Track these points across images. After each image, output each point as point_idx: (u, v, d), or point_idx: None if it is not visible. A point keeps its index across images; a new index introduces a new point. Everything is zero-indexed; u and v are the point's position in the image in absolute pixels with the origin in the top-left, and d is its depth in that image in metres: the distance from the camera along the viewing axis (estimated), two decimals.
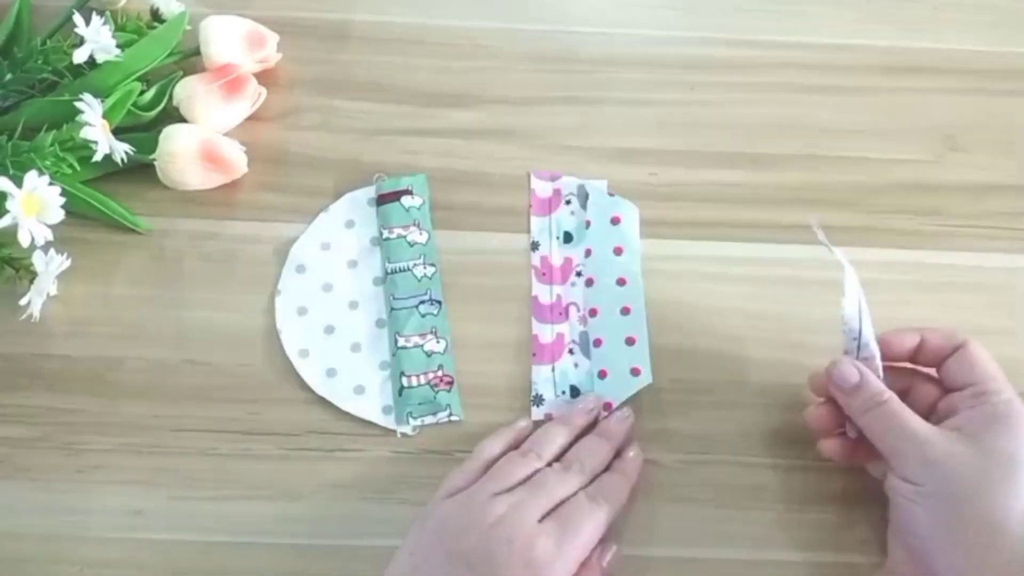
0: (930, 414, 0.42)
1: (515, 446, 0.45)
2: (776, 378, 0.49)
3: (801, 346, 0.49)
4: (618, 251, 0.51)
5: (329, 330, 0.49)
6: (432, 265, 0.51)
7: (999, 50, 0.59)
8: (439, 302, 0.50)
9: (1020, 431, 0.39)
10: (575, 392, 0.48)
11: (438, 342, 0.49)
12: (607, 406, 0.47)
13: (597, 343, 0.49)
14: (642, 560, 0.45)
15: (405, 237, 0.51)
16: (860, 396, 0.42)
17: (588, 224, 0.52)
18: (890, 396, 0.41)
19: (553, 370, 0.49)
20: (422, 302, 0.50)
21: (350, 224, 0.52)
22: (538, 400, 0.48)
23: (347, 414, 0.47)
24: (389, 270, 0.50)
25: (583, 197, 0.53)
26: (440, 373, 0.48)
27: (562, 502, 0.42)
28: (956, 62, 0.58)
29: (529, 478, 0.42)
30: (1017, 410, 0.40)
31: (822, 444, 0.45)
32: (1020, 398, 0.41)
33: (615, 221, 0.52)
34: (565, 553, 0.40)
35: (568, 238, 0.52)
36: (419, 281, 0.50)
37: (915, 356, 0.44)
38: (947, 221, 0.53)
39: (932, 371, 0.44)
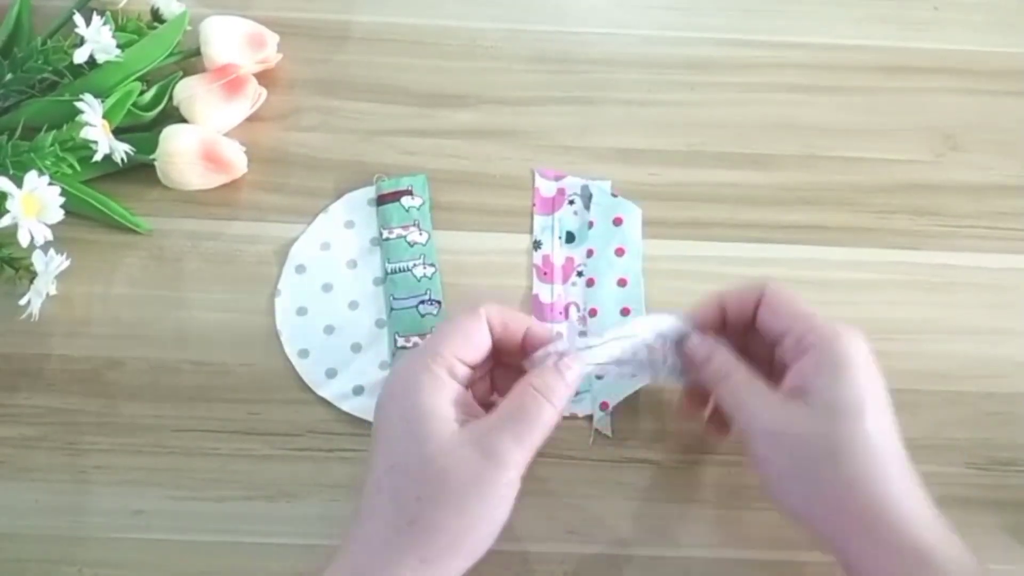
0: (771, 373, 0.41)
1: None
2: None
3: None
4: (620, 252, 0.51)
5: (329, 330, 0.49)
6: (432, 265, 0.51)
7: (999, 50, 0.59)
8: (439, 302, 0.50)
9: (844, 370, 0.38)
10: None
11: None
12: (603, 405, 0.47)
13: None
14: (642, 560, 0.45)
15: (405, 237, 0.51)
16: (709, 371, 0.41)
17: (591, 225, 0.52)
18: (738, 367, 0.41)
19: None
20: (422, 302, 0.50)
21: (350, 224, 0.52)
22: None
23: (347, 414, 0.47)
24: (389, 270, 0.50)
25: (587, 198, 0.53)
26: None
27: None
28: (956, 62, 0.58)
29: None
30: (835, 347, 0.38)
31: (706, 428, 0.45)
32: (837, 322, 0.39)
33: (617, 222, 0.52)
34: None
35: (570, 238, 0.52)
36: (419, 281, 0.50)
37: (728, 324, 0.43)
38: (947, 221, 0.53)
39: None
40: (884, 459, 0.37)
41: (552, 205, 0.53)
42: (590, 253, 0.51)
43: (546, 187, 0.53)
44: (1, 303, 0.49)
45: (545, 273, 0.51)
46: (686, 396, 0.45)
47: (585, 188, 0.53)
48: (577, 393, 0.48)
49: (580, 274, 0.51)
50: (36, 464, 0.46)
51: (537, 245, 0.52)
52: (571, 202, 0.53)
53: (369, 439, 0.47)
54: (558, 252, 0.52)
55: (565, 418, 0.47)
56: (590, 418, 0.47)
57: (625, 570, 0.45)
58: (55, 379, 0.48)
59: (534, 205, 0.53)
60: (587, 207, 0.53)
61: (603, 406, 0.47)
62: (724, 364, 0.41)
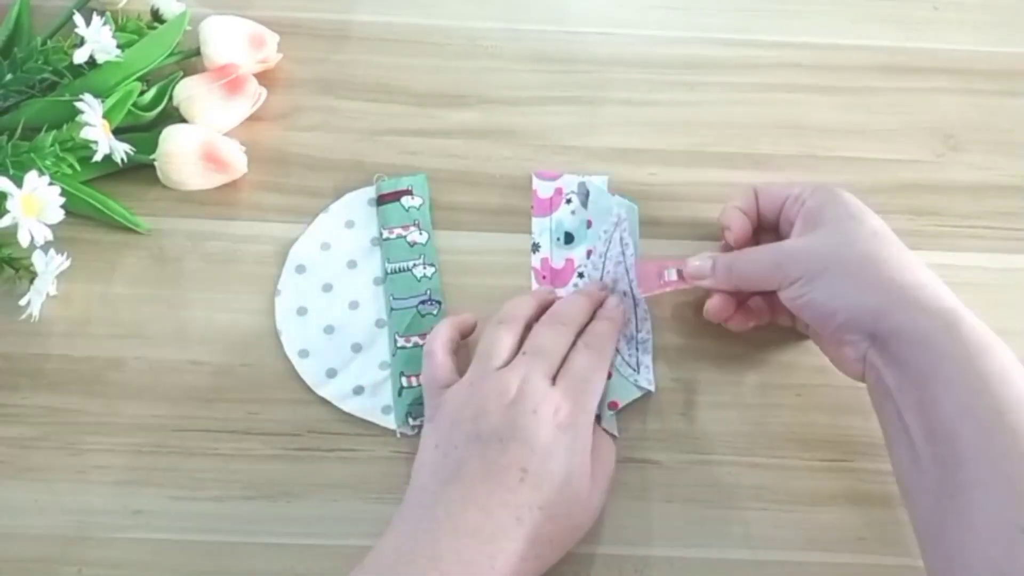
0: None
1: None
2: (776, 378, 0.49)
3: (801, 345, 0.49)
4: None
5: (329, 330, 0.49)
6: (432, 265, 0.51)
7: (999, 50, 0.59)
8: (439, 302, 0.50)
9: (843, 199, 0.45)
10: None
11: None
12: (612, 405, 0.47)
13: None
14: (642, 560, 0.45)
15: (405, 237, 0.51)
16: (719, 268, 0.46)
17: (589, 224, 0.52)
18: (738, 253, 0.47)
19: None
20: (422, 302, 0.50)
21: (350, 224, 0.52)
22: None
23: (347, 414, 0.47)
24: (389, 270, 0.50)
25: (584, 195, 0.53)
26: (453, 344, 0.48)
27: (563, 359, 0.44)
28: (956, 62, 0.58)
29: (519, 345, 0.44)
30: (829, 188, 0.45)
31: (731, 324, 0.48)
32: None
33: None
34: (585, 408, 0.42)
35: (569, 239, 0.52)
36: (419, 281, 0.50)
37: (760, 225, 0.49)
38: (947, 221, 0.53)
39: None
40: (896, 247, 0.43)
41: (550, 206, 0.53)
42: (589, 254, 0.51)
43: (543, 188, 0.53)
44: (1, 303, 0.49)
45: (544, 276, 0.51)
46: (719, 309, 0.48)
47: (582, 185, 0.53)
48: None
49: (581, 275, 0.51)
50: (36, 464, 0.46)
51: (535, 248, 0.52)
52: (568, 201, 0.53)
53: (368, 438, 0.47)
54: (557, 254, 0.52)
55: None
56: (597, 418, 0.47)
57: (625, 570, 0.45)
58: (55, 379, 0.48)
59: (532, 208, 0.53)
60: (584, 205, 0.53)
61: (612, 406, 0.47)
62: (728, 255, 0.47)
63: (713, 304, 0.47)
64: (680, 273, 0.48)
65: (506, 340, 0.44)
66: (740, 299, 0.48)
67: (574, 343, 0.45)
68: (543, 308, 0.47)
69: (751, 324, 0.48)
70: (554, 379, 0.43)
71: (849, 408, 0.48)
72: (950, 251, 0.53)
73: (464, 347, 0.47)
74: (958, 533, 0.37)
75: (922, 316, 0.40)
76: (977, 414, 0.37)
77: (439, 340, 0.45)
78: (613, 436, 0.47)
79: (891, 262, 0.42)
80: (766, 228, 0.49)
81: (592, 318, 0.47)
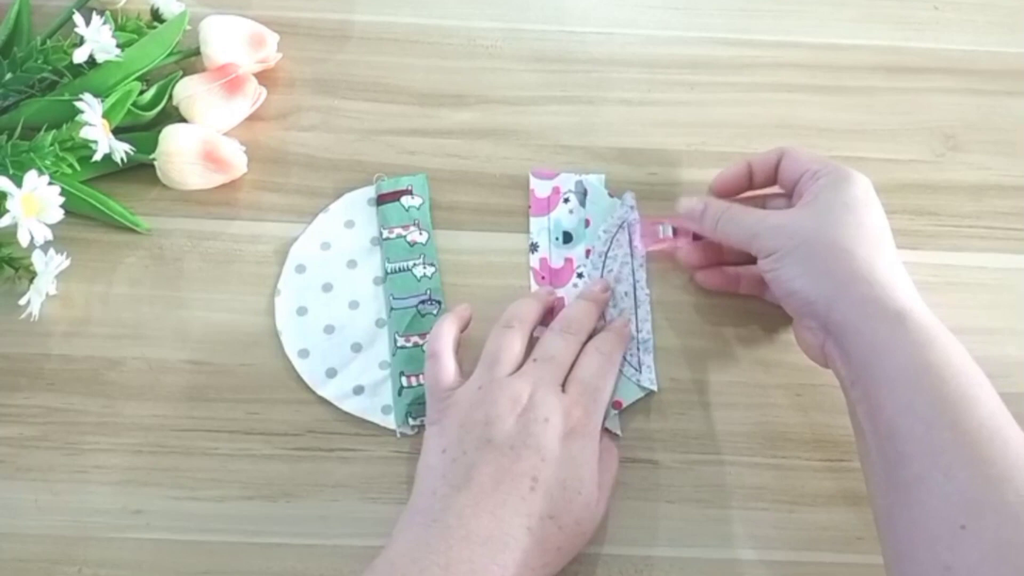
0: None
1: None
2: (776, 378, 0.49)
3: None
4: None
5: (329, 330, 0.49)
6: (432, 265, 0.51)
7: (999, 50, 0.59)
8: (439, 302, 0.50)
9: (850, 186, 0.44)
10: None
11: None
12: (616, 404, 0.47)
13: None
14: (642, 560, 0.45)
15: (405, 237, 0.51)
16: (709, 215, 0.47)
17: (587, 223, 0.52)
18: (732, 203, 0.47)
19: None
20: (422, 302, 0.50)
21: (350, 224, 0.52)
22: None
23: (347, 414, 0.47)
24: (389, 270, 0.50)
25: (581, 194, 0.53)
26: (456, 343, 0.48)
27: (575, 364, 0.44)
28: (956, 62, 0.58)
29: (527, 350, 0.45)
30: (846, 172, 0.45)
31: (699, 275, 0.50)
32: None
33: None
34: (595, 414, 0.43)
35: (568, 238, 0.52)
36: (419, 281, 0.50)
37: (753, 183, 0.49)
38: (947, 221, 0.53)
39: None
40: (874, 242, 0.43)
41: (547, 205, 0.53)
42: (588, 253, 0.51)
43: (541, 187, 0.53)
44: (1, 303, 0.49)
45: (543, 277, 0.51)
46: (692, 254, 0.49)
47: (579, 184, 0.53)
48: None
49: (580, 275, 0.51)
50: (36, 464, 0.46)
51: (534, 248, 0.52)
52: (566, 200, 0.53)
53: (368, 438, 0.47)
54: (555, 254, 0.52)
55: None
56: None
57: (626, 570, 0.45)
58: (55, 379, 0.48)
59: (530, 207, 0.53)
60: (583, 204, 0.53)
61: (616, 405, 0.47)
62: (720, 204, 0.47)
63: (688, 252, 0.49)
64: (675, 230, 0.50)
65: (515, 344, 0.44)
66: (719, 257, 0.49)
67: (583, 348, 0.45)
68: (547, 310, 0.48)
69: (716, 285, 0.50)
70: (563, 385, 0.43)
71: None
72: (950, 251, 0.53)
73: (462, 345, 0.47)
74: (906, 528, 0.37)
75: (870, 312, 0.41)
76: (917, 410, 0.38)
77: (442, 341, 0.45)
78: (616, 435, 0.47)
79: (858, 255, 0.42)
80: (783, 194, 0.49)
81: (595, 324, 0.47)
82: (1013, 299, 0.51)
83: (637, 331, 0.49)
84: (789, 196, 0.48)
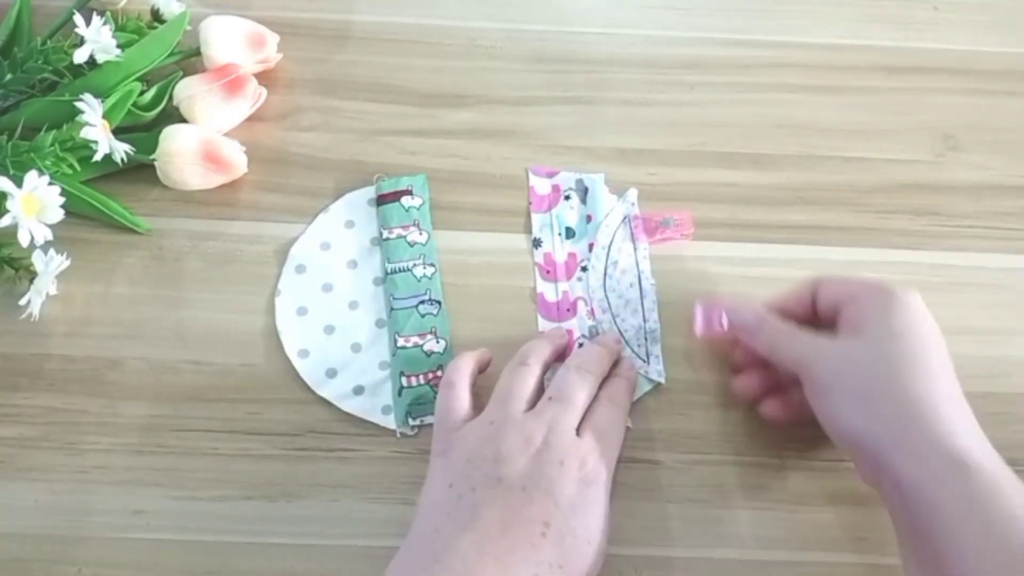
0: None
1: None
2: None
3: None
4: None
5: (329, 330, 0.49)
6: (432, 265, 0.51)
7: (999, 50, 0.59)
8: (439, 302, 0.50)
9: (899, 310, 0.41)
10: None
11: (438, 342, 0.49)
12: None
13: None
14: (642, 560, 0.45)
15: (405, 237, 0.51)
16: (762, 335, 0.44)
17: (589, 219, 0.52)
18: (785, 326, 0.44)
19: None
20: (422, 302, 0.50)
21: (350, 224, 0.52)
22: None
23: (347, 414, 0.47)
24: (389, 270, 0.50)
25: (582, 192, 0.53)
26: (440, 373, 0.48)
27: (587, 410, 0.43)
28: (956, 62, 0.58)
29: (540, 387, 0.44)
30: (890, 295, 0.42)
31: (764, 408, 0.46)
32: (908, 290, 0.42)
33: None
34: (608, 463, 0.42)
35: (570, 233, 0.52)
36: (419, 281, 0.50)
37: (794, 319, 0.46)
38: (947, 221, 0.53)
39: None
40: (929, 374, 0.40)
41: (548, 202, 0.53)
42: (591, 247, 0.51)
43: (540, 185, 0.53)
44: (1, 303, 0.49)
45: (548, 271, 0.51)
46: (749, 385, 0.47)
47: (579, 182, 0.53)
48: None
49: (584, 269, 0.51)
50: (36, 464, 0.46)
51: (537, 243, 0.52)
52: (567, 197, 0.53)
53: (368, 438, 0.47)
54: (559, 249, 0.52)
55: None
56: None
57: (625, 570, 0.45)
58: (55, 379, 0.48)
59: (530, 203, 0.53)
60: (583, 201, 0.53)
61: None
62: (777, 323, 0.44)
63: (745, 384, 0.46)
64: (677, 225, 0.51)
65: (529, 381, 0.43)
66: (775, 379, 0.46)
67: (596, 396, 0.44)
68: (558, 351, 0.47)
69: (783, 417, 0.45)
70: (577, 429, 0.42)
71: None
72: (950, 251, 0.53)
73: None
74: None
75: (929, 463, 0.38)
76: (985, 564, 0.36)
77: (460, 372, 0.44)
78: (628, 428, 0.47)
79: (913, 393, 0.39)
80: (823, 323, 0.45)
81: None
82: (1013, 299, 0.51)
83: (644, 321, 0.49)
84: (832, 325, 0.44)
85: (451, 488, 0.40)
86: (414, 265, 0.51)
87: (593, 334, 0.49)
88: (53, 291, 0.49)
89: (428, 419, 0.47)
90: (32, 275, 0.48)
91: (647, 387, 0.48)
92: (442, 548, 0.38)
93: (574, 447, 0.41)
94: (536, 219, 0.52)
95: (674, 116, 0.56)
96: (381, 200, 0.52)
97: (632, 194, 0.53)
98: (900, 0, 0.61)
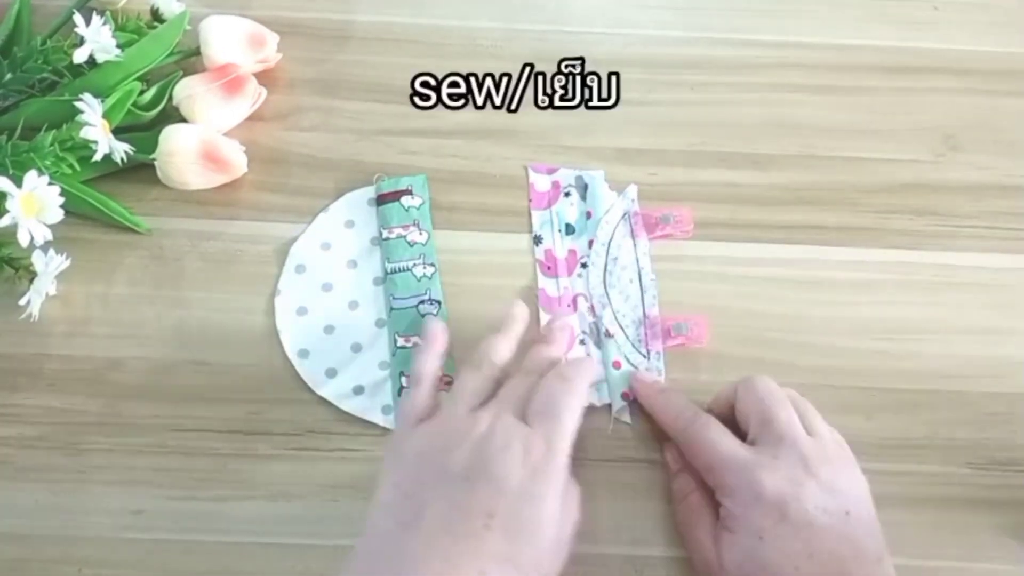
0: None
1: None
2: (776, 378, 0.49)
3: (801, 346, 0.50)
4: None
5: (329, 330, 0.49)
6: (432, 265, 0.51)
7: (999, 50, 0.59)
8: (439, 302, 0.50)
9: (755, 501, 0.40)
10: None
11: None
12: (625, 395, 0.48)
13: (608, 334, 0.49)
14: (642, 560, 0.45)
15: (405, 237, 0.51)
16: (687, 433, 0.44)
17: (589, 215, 0.52)
18: (709, 420, 0.43)
19: None
20: (422, 302, 0.50)
21: (350, 224, 0.52)
22: None
23: (347, 414, 0.47)
24: (389, 270, 0.50)
25: (582, 188, 0.53)
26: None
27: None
28: (956, 62, 0.58)
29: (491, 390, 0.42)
30: (746, 386, 0.43)
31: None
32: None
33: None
34: (559, 450, 0.39)
35: (570, 230, 0.52)
36: (419, 281, 0.50)
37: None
38: (947, 221, 0.53)
39: None
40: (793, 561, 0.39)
41: (548, 199, 0.53)
42: (591, 244, 0.51)
43: (540, 182, 0.53)
44: (1, 303, 0.49)
45: (548, 268, 0.51)
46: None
47: (579, 179, 0.53)
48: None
49: (584, 265, 0.51)
50: (36, 464, 0.46)
51: (538, 240, 0.52)
52: (567, 194, 0.53)
53: (368, 438, 0.47)
54: (559, 245, 0.52)
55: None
56: (604, 415, 0.47)
57: (625, 570, 0.45)
58: (55, 379, 0.48)
59: (530, 201, 0.53)
60: (583, 197, 0.53)
61: (625, 395, 0.47)
62: (703, 418, 0.44)
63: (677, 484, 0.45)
64: (676, 222, 0.51)
65: (480, 384, 0.42)
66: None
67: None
68: (521, 347, 0.45)
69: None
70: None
71: (849, 408, 0.48)
72: (950, 251, 0.53)
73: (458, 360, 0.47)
74: None
75: None
76: None
77: (430, 367, 0.43)
78: (628, 424, 0.47)
79: None
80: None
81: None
82: (1013, 299, 0.51)
83: (644, 316, 0.49)
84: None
85: (397, 488, 0.39)
86: (414, 265, 0.51)
87: (593, 331, 0.49)
88: (53, 291, 0.49)
89: None
90: (32, 275, 0.48)
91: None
92: (390, 552, 0.37)
93: (516, 430, 0.39)
94: (536, 216, 0.53)
95: (674, 116, 0.56)
96: (381, 200, 0.52)
97: (632, 190, 0.53)
98: (900, 0, 0.61)
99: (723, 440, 0.42)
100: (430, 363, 0.44)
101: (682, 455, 0.45)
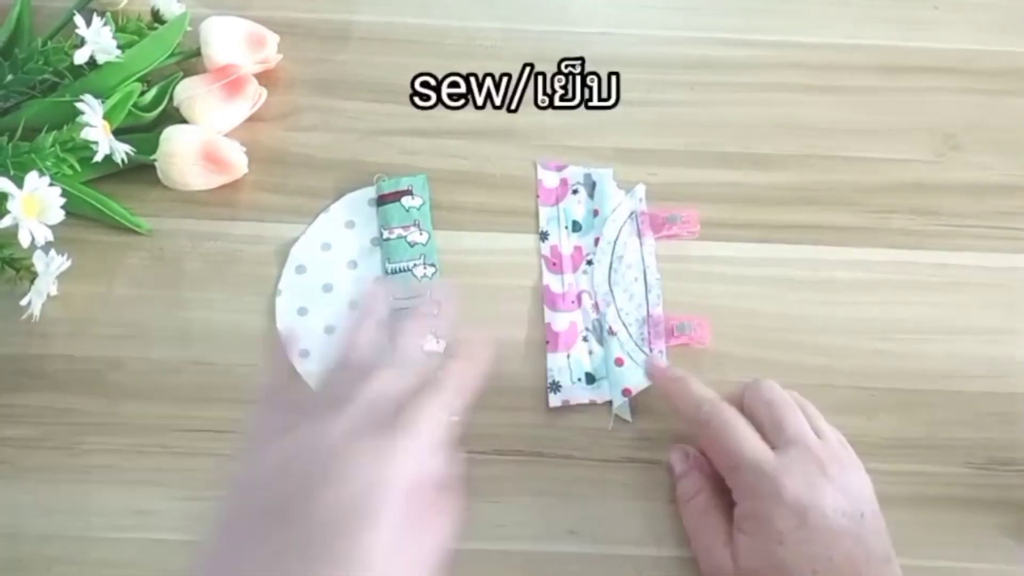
0: None
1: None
2: (776, 378, 0.49)
3: (801, 346, 0.50)
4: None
5: (329, 330, 0.49)
6: (432, 265, 0.51)
7: (999, 50, 0.59)
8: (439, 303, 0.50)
9: (766, 502, 0.40)
10: (591, 379, 0.48)
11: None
12: (626, 392, 0.47)
13: (611, 331, 0.49)
14: (642, 560, 0.45)
15: (405, 237, 0.51)
16: (709, 425, 0.43)
17: (596, 213, 0.52)
18: (733, 414, 0.43)
19: (568, 357, 0.49)
20: None
21: (350, 224, 0.52)
22: (555, 387, 0.48)
23: None
24: (389, 270, 0.50)
25: (590, 186, 0.53)
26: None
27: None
28: (956, 62, 0.58)
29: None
30: (753, 389, 0.43)
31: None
32: None
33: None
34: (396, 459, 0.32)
35: (577, 227, 0.52)
36: (419, 281, 0.50)
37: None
38: (947, 221, 0.53)
39: None
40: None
41: (556, 196, 0.53)
42: (598, 241, 0.51)
43: (549, 178, 0.54)
44: (2, 303, 0.49)
45: (554, 263, 0.51)
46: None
47: (588, 177, 0.53)
48: (593, 380, 0.48)
49: (590, 262, 0.51)
50: (37, 464, 0.46)
51: (544, 236, 0.52)
52: (575, 191, 0.53)
53: None
54: (566, 242, 0.52)
55: (575, 412, 0.47)
56: (604, 414, 0.47)
57: (626, 570, 0.45)
58: (56, 379, 0.48)
59: (538, 196, 0.53)
60: (591, 195, 0.53)
61: (625, 392, 0.47)
62: (724, 408, 0.43)
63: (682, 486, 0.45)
64: (683, 222, 0.51)
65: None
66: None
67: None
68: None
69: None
70: None
71: (849, 408, 0.48)
72: (950, 251, 0.53)
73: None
74: None
75: None
76: None
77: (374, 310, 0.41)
78: (628, 421, 0.47)
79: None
80: None
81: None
82: (1013, 299, 0.51)
83: (648, 315, 0.49)
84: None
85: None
86: (414, 265, 0.51)
87: (596, 328, 0.49)
88: (54, 292, 0.49)
89: None
90: (33, 276, 0.48)
91: (648, 382, 0.48)
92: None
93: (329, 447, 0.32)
94: (543, 212, 0.53)
95: (674, 116, 0.56)
96: (381, 200, 0.52)
97: (640, 189, 0.53)
98: (900, 0, 0.61)
99: (748, 440, 0.41)
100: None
101: (689, 454, 0.45)
